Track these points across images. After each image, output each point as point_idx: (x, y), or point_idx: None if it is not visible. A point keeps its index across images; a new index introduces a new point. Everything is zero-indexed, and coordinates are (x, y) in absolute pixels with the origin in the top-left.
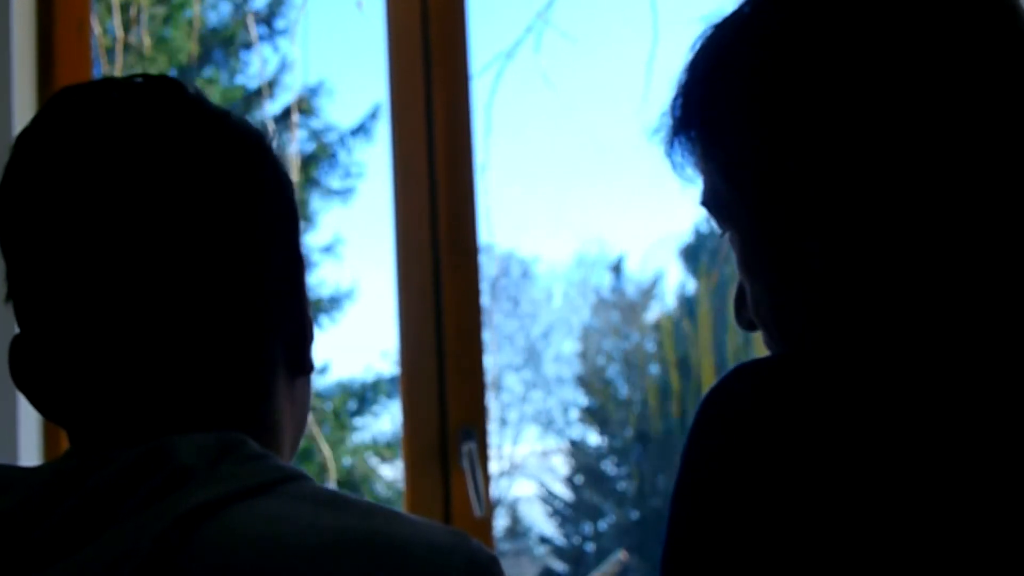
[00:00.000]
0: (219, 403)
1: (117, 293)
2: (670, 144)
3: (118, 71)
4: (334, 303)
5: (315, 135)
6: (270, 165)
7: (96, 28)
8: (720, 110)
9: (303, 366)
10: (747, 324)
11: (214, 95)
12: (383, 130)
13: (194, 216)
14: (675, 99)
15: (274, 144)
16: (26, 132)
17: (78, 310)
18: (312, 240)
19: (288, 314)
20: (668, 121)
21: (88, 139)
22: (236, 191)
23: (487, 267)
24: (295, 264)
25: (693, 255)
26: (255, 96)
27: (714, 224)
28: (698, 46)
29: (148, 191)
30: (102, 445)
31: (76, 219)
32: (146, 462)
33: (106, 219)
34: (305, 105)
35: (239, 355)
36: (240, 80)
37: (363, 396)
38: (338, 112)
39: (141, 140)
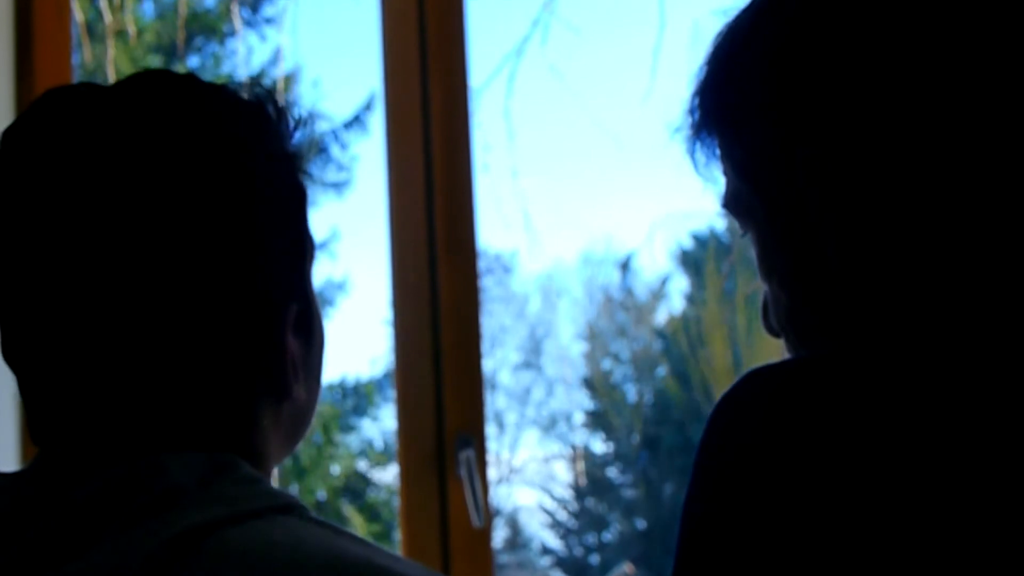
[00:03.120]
0: (201, 423)
1: (91, 309)
2: (691, 144)
3: (107, 60)
4: (325, 300)
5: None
6: (256, 189)
7: (77, 14)
8: (735, 107)
9: (284, 392)
10: (773, 331)
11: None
12: (378, 122)
13: (171, 234)
14: (692, 98)
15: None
16: (7, 133)
17: (52, 323)
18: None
19: (269, 338)
20: (688, 120)
21: (56, 150)
22: (219, 212)
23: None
24: (275, 282)
25: (702, 253)
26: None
27: (736, 225)
28: (713, 42)
29: (128, 207)
30: (77, 460)
31: (52, 226)
32: (136, 478)
33: (79, 234)
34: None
35: (217, 376)
36: (226, 69)
37: (356, 400)
38: (330, 103)
39: (106, 155)
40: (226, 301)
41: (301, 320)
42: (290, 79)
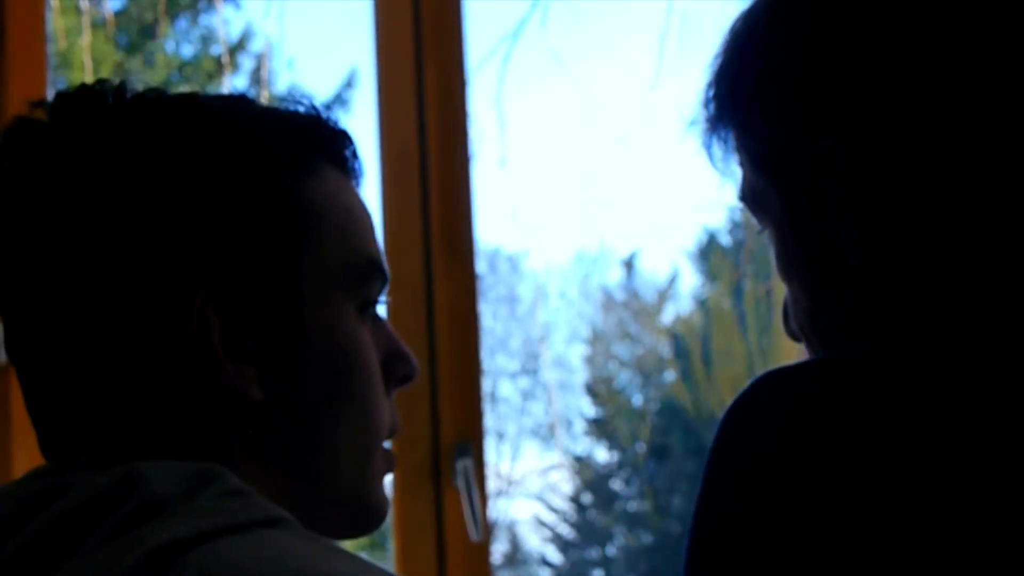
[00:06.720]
0: (180, 431)
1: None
2: (707, 137)
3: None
4: None
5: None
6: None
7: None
8: (752, 97)
9: (225, 401)
10: (793, 334)
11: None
12: (360, 101)
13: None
14: (707, 88)
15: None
16: None
17: (29, 334)
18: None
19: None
20: (703, 112)
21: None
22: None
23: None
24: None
25: (711, 251)
26: (216, 66)
27: (753, 221)
28: (729, 30)
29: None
30: (68, 467)
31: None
32: (117, 489)
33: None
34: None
35: (196, 390)
36: (209, 48)
37: None
38: (310, 81)
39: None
40: (146, 282)
41: (267, 325)
42: (263, 56)
